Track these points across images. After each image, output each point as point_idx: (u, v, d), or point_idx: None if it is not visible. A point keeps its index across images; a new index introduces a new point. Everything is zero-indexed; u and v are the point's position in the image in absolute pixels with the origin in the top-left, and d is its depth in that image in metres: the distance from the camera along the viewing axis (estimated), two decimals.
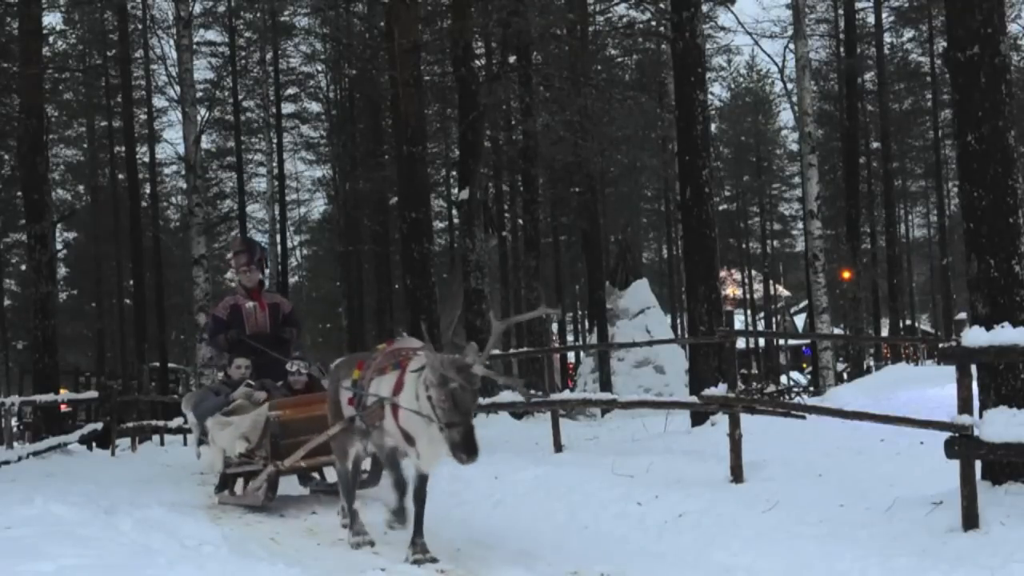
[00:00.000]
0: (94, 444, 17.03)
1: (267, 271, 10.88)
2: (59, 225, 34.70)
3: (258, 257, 10.36)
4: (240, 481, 9.23)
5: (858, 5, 33.23)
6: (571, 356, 36.03)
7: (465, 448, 5.71)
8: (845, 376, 27.31)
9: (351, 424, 6.94)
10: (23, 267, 35.95)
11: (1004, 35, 7.07)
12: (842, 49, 33.04)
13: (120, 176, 34.51)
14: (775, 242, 50.83)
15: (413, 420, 6.11)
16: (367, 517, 7.10)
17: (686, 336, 25.75)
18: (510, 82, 21.41)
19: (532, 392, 9.28)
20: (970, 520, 5.77)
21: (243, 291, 10.27)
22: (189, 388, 33.08)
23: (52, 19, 32.85)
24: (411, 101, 15.97)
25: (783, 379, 35.85)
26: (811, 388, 25.33)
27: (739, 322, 48.83)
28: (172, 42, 29.16)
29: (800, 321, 51.13)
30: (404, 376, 6.29)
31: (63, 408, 22.91)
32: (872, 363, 30.97)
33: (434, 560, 6.05)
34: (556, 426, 10.75)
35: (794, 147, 40.16)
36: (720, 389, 8.70)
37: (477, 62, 21.88)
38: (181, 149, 29.81)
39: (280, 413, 8.28)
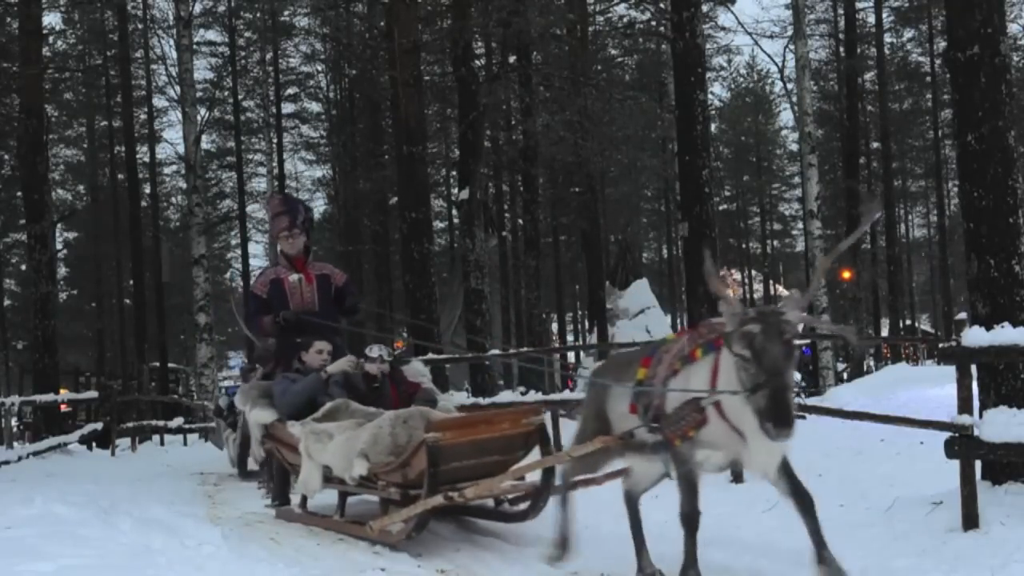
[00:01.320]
0: (94, 444, 17.01)
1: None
2: (59, 225, 34.71)
3: (302, 219, 8.31)
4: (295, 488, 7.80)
5: (858, 5, 33.26)
6: (571, 356, 36.03)
7: (774, 414, 4.41)
8: (845, 376, 27.31)
9: (628, 438, 5.36)
10: (23, 267, 35.95)
11: (1004, 35, 7.07)
12: (842, 49, 33.06)
13: (120, 176, 34.53)
14: (775, 242, 50.83)
15: (740, 408, 4.70)
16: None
17: (685, 329, 25.68)
18: (510, 82, 21.42)
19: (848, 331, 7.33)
20: (970, 520, 5.77)
21: (285, 261, 8.23)
22: (189, 388, 33.06)
23: (52, 19, 32.88)
24: (411, 101, 15.98)
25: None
26: (810, 388, 25.34)
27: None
28: (172, 42, 29.21)
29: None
30: (720, 360, 4.85)
31: (63, 408, 22.89)
32: (872, 363, 30.98)
33: None
34: (556, 426, 10.76)
35: (794, 147, 40.17)
36: None
37: (477, 62, 21.89)
38: (181, 149, 29.84)
39: (439, 436, 6.07)
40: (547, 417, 7.52)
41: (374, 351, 7.53)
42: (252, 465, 11.53)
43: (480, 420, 6.51)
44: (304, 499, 7.48)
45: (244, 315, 8.37)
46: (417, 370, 8.13)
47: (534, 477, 6.56)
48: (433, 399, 7.60)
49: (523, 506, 6.70)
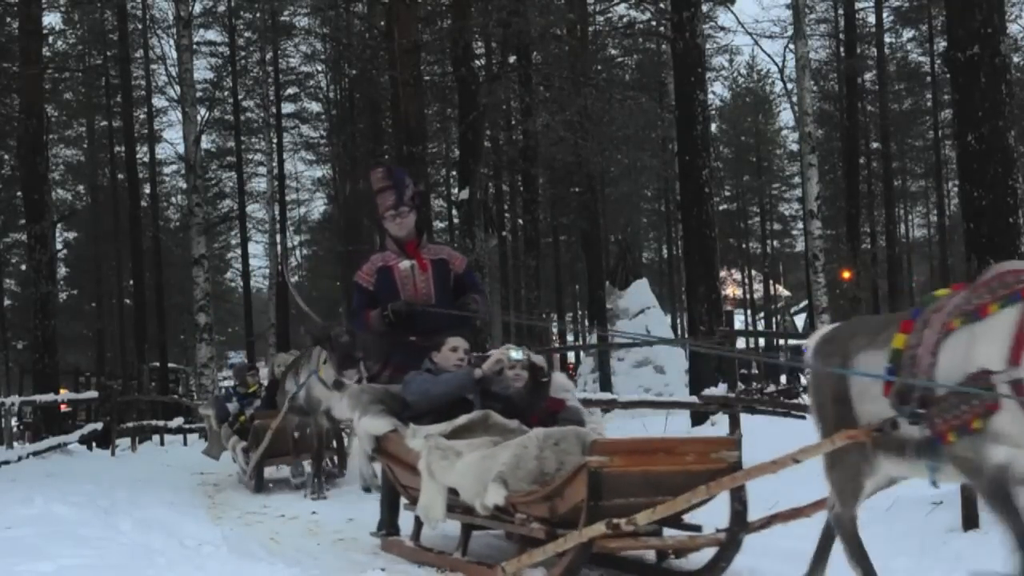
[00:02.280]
0: (94, 444, 17.02)
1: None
2: (59, 225, 34.70)
3: (411, 194, 6.71)
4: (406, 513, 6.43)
5: (858, 5, 33.26)
6: (571, 356, 36.02)
7: None
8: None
9: (888, 431, 3.97)
10: (23, 267, 35.94)
11: (1004, 35, 7.09)
12: (842, 49, 33.05)
13: (120, 176, 34.53)
14: (775, 242, 50.83)
15: None
16: None
17: (686, 336, 25.74)
18: (510, 82, 21.42)
19: None
20: (970, 520, 5.77)
21: (394, 245, 6.65)
22: (189, 388, 33.06)
23: (52, 19, 32.84)
24: (411, 101, 15.99)
25: (783, 379, 35.84)
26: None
27: (739, 322, 48.80)
28: (172, 42, 29.22)
29: (800, 321, 51.13)
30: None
31: (63, 408, 22.90)
32: None
33: None
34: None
35: (794, 147, 40.16)
36: (720, 389, 8.70)
37: (477, 62, 21.89)
38: (181, 149, 29.84)
39: (605, 461, 4.78)
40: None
41: (517, 352, 5.91)
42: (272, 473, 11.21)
43: (657, 447, 5.21)
44: (418, 529, 6.11)
45: (349, 311, 7.02)
46: (561, 384, 6.45)
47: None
48: (580, 420, 6.02)
49: (702, 561, 5.32)
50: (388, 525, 6.55)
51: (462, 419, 5.55)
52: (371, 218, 33.83)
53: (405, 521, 6.37)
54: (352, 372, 7.95)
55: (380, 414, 6.08)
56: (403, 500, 6.31)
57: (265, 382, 12.28)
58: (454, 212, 31.24)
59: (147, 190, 35.89)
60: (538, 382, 5.98)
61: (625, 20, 29.54)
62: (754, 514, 5.53)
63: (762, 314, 52.22)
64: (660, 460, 5.02)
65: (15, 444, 15.86)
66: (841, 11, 33.41)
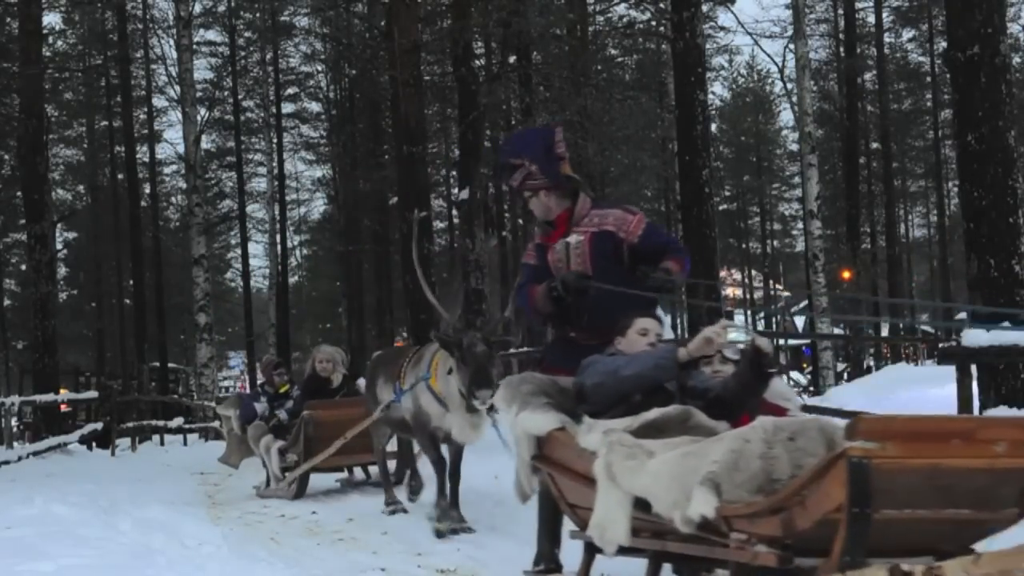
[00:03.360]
0: (94, 444, 17.03)
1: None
2: (59, 225, 34.71)
3: (541, 167, 5.27)
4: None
5: (858, 5, 33.28)
6: None
7: None
8: (845, 376, 27.31)
9: None
10: (23, 267, 35.96)
11: (1004, 35, 7.09)
12: (842, 49, 33.06)
13: (120, 176, 34.55)
14: (775, 242, 50.85)
15: None
16: None
17: (686, 336, 25.71)
18: (510, 82, 21.41)
19: None
20: None
21: (546, 224, 5.41)
22: (189, 388, 33.06)
23: (52, 19, 32.86)
24: (411, 101, 15.99)
25: (783, 379, 35.81)
26: (811, 388, 25.33)
27: (739, 322, 48.80)
28: (172, 42, 29.22)
29: (800, 321, 51.14)
30: None
31: (63, 408, 22.90)
32: (872, 363, 30.98)
33: None
34: None
35: (794, 147, 40.16)
36: None
37: (477, 62, 21.88)
38: (181, 149, 29.86)
39: (874, 448, 3.02)
40: None
41: (736, 333, 4.48)
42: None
43: (952, 429, 3.23)
44: (588, 562, 4.48)
45: (516, 290, 5.60)
46: (780, 391, 4.89)
47: None
48: None
49: None
50: (548, 559, 5.12)
51: (653, 413, 4.09)
52: (371, 219, 33.89)
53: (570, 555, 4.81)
54: (486, 393, 6.20)
55: (544, 408, 4.58)
56: (568, 526, 4.68)
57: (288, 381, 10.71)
58: (454, 212, 31.27)
59: (147, 190, 35.92)
60: (760, 374, 4.26)
61: (625, 20, 29.54)
62: None
63: (762, 314, 52.23)
64: (955, 450, 3.19)
65: (15, 444, 15.87)
66: (841, 11, 33.43)
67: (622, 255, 5.14)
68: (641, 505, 3.80)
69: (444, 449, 7.11)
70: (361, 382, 9.56)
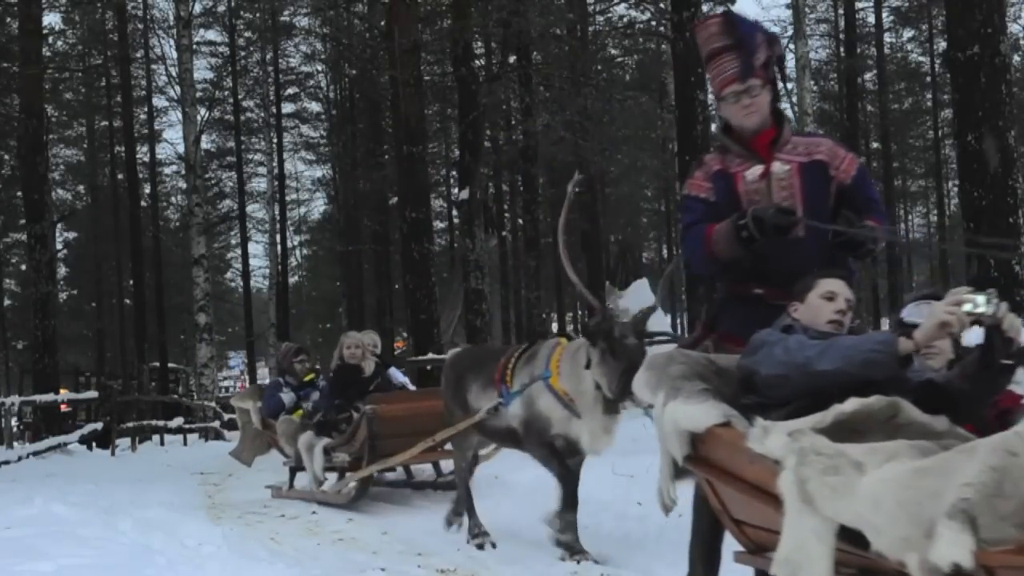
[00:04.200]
0: (94, 444, 17.03)
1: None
2: (59, 225, 34.73)
3: (764, 59, 4.07)
4: None
5: (858, 5, 33.26)
6: None
7: None
8: None
9: None
10: (23, 267, 35.97)
11: (1004, 35, 7.09)
12: (842, 49, 33.06)
13: (120, 176, 34.53)
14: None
15: None
16: None
17: (686, 336, 25.69)
18: (510, 82, 21.43)
19: None
20: None
21: (737, 142, 4.14)
22: (189, 388, 33.08)
23: (52, 19, 32.88)
24: (411, 101, 16.00)
25: None
26: None
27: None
28: (172, 42, 29.25)
29: None
30: None
31: (63, 408, 22.90)
32: None
33: None
34: None
35: None
36: None
37: (477, 62, 21.90)
38: (181, 149, 29.90)
39: None
40: None
41: (982, 304, 3.10)
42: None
43: None
44: None
45: (684, 228, 4.20)
46: None
47: None
48: None
49: None
50: None
51: (851, 405, 3.04)
52: (371, 219, 33.88)
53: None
54: (631, 402, 5.37)
55: (701, 396, 3.39)
56: (733, 546, 3.62)
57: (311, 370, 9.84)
58: (454, 212, 31.28)
59: (147, 190, 35.91)
60: (999, 365, 3.21)
61: (625, 20, 29.57)
62: None
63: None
64: None
65: (15, 444, 15.87)
66: (841, 11, 33.43)
67: (830, 195, 4.04)
68: (849, 535, 2.72)
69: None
70: (394, 372, 9.06)
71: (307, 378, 9.50)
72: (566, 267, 6.33)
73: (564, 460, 6.00)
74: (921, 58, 39.08)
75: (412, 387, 9.34)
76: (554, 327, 40.87)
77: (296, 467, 9.04)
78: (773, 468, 2.92)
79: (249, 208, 39.08)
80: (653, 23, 26.14)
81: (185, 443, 19.80)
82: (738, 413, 3.25)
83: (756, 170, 4.02)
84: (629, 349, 5.46)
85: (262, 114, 37.09)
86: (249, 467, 10.09)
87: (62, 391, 23.62)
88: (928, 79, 37.75)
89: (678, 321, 40.18)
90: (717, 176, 4.09)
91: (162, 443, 19.21)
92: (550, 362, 6.00)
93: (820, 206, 3.98)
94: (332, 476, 8.55)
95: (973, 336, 3.31)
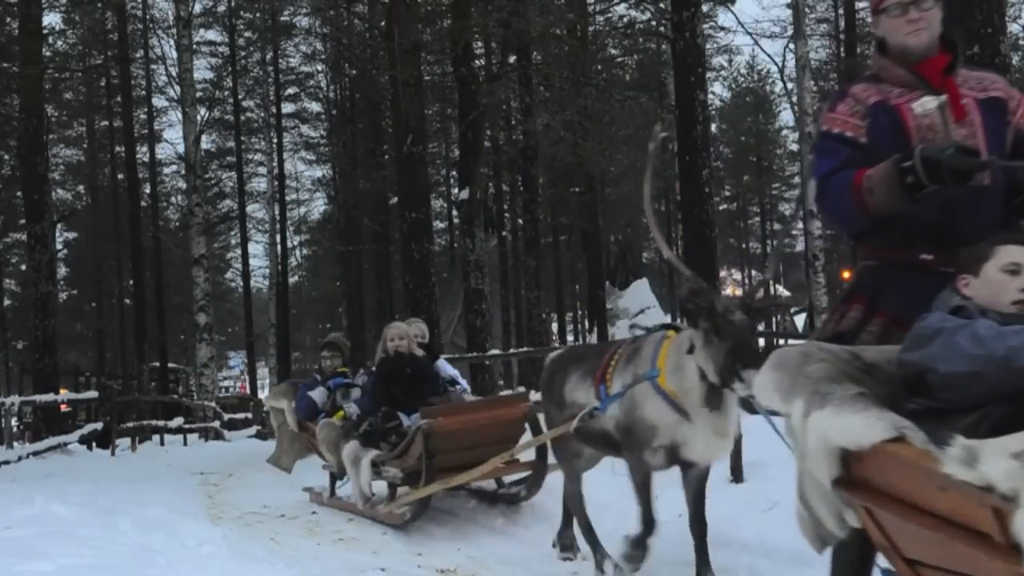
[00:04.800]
0: (94, 444, 17.02)
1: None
2: (59, 225, 34.73)
3: None
4: None
5: (858, 5, 33.24)
6: None
7: None
8: None
9: None
10: (23, 267, 35.97)
11: (1004, 35, 7.08)
12: (842, 49, 33.06)
13: (120, 176, 34.54)
14: (775, 242, 50.86)
15: None
16: None
17: (680, 321, 25.68)
18: (510, 82, 21.42)
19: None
20: None
21: (900, 67, 3.32)
22: (189, 388, 33.10)
23: (52, 19, 32.89)
24: (411, 101, 15.98)
25: None
26: None
27: None
28: (172, 42, 29.25)
29: (800, 321, 51.17)
30: None
31: (63, 408, 22.90)
32: None
33: None
34: None
35: (794, 147, 40.20)
36: None
37: (477, 62, 21.90)
38: (181, 149, 29.90)
39: None
40: None
41: None
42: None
43: None
44: None
45: (816, 175, 3.34)
46: None
47: None
48: None
49: None
50: None
51: None
52: (371, 219, 33.88)
53: None
54: (752, 373, 4.12)
55: (860, 404, 2.59)
56: None
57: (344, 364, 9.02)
58: (454, 212, 31.27)
59: (147, 190, 35.90)
60: None
61: (625, 20, 29.58)
62: (753, 514, 5.42)
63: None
64: None
65: (15, 444, 15.86)
66: (841, 11, 33.43)
67: (1007, 140, 3.31)
68: None
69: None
70: (443, 364, 8.24)
71: (342, 370, 8.76)
72: (656, 236, 5.46)
73: (651, 483, 5.18)
74: None
75: (463, 381, 8.27)
76: (554, 327, 40.95)
77: (337, 473, 8.21)
78: (982, 499, 2.15)
79: (249, 208, 39.13)
80: (653, 23, 26.16)
81: (185, 443, 19.80)
82: (911, 424, 2.46)
83: (929, 102, 3.22)
84: (735, 326, 4.65)
85: (262, 114, 37.10)
86: (289, 473, 9.05)
87: (62, 391, 23.62)
88: None
89: (678, 321, 40.15)
90: (876, 109, 3.27)
91: (162, 443, 19.20)
92: (657, 358, 5.07)
93: (1000, 152, 3.22)
94: (377, 484, 7.66)
95: None
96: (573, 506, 5.92)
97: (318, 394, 8.50)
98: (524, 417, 7.10)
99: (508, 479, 7.55)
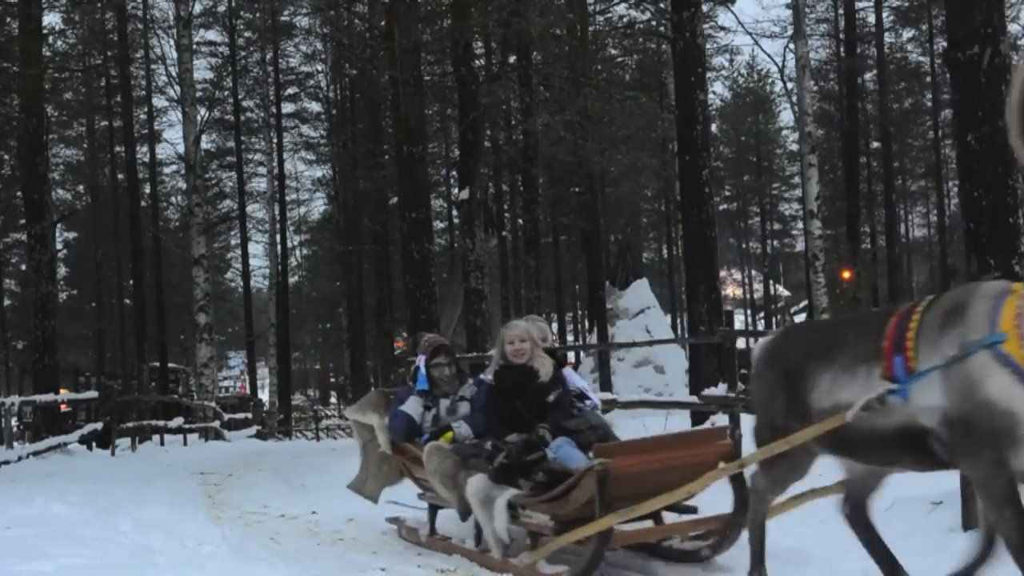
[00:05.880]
0: (94, 444, 17.02)
1: None
2: (59, 225, 34.74)
3: None
4: None
5: (858, 5, 33.24)
6: (571, 356, 36.04)
7: None
8: None
9: None
10: (23, 267, 35.97)
11: (1004, 35, 7.08)
12: (842, 49, 33.05)
13: (120, 176, 34.56)
14: (775, 242, 50.86)
15: None
16: None
17: (686, 336, 25.75)
18: (510, 82, 21.41)
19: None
20: (970, 520, 5.77)
21: None
22: (189, 388, 33.09)
23: (52, 19, 32.91)
24: (411, 101, 15.97)
25: None
26: None
27: (739, 322, 48.84)
28: (172, 42, 29.27)
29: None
30: None
31: (63, 408, 22.90)
32: None
33: None
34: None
35: (794, 147, 40.20)
36: (720, 389, 8.68)
37: (477, 62, 21.89)
38: (181, 149, 29.90)
39: None
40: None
41: None
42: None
43: None
44: None
45: None
46: None
47: None
48: None
49: None
50: None
51: None
52: (371, 219, 33.89)
53: None
54: None
55: None
56: None
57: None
58: (454, 212, 31.27)
59: (147, 190, 35.92)
60: None
61: (625, 20, 29.59)
62: None
63: (762, 314, 52.23)
64: None
65: (15, 444, 15.86)
66: (841, 11, 33.41)
67: None
68: None
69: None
70: (570, 374, 6.51)
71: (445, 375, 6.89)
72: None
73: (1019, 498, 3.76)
74: (921, 58, 39.07)
75: (594, 397, 6.66)
76: (554, 327, 40.94)
77: (460, 512, 6.11)
78: None
79: (249, 208, 39.13)
80: (653, 23, 26.16)
81: (185, 443, 19.80)
82: None
83: None
84: None
85: (262, 114, 37.10)
86: (375, 503, 7.25)
87: (62, 391, 23.61)
88: (928, 79, 37.74)
89: (678, 321, 40.18)
90: None
91: (162, 443, 19.20)
92: (998, 319, 3.74)
93: None
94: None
95: None
96: (753, 535, 4.91)
97: (412, 405, 6.67)
98: (722, 458, 5.50)
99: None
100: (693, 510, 5.71)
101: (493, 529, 5.73)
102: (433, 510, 6.72)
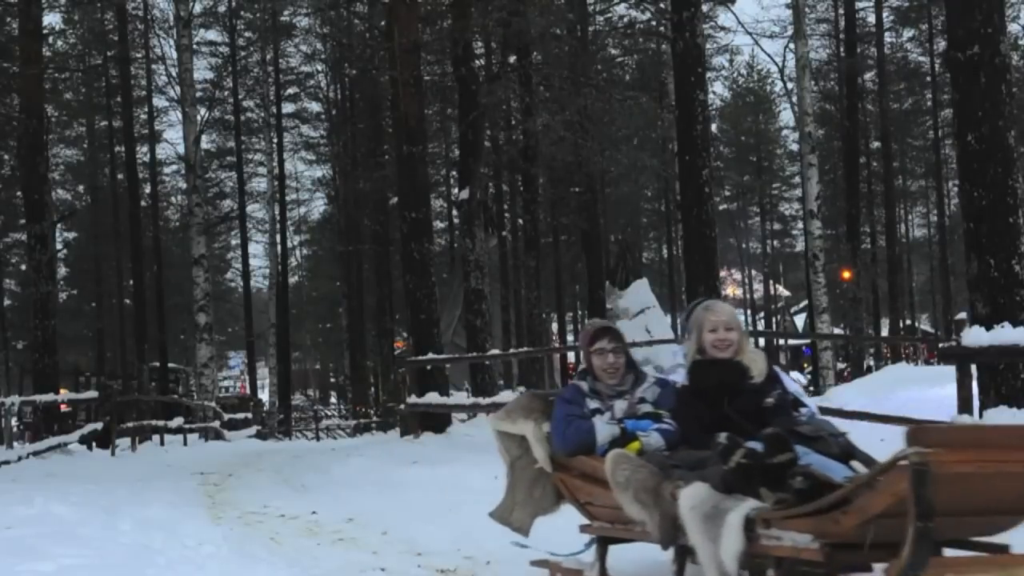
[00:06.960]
0: (94, 444, 17.01)
1: None
2: (59, 225, 34.73)
3: None
4: None
5: (858, 5, 33.27)
6: (571, 356, 36.03)
7: None
8: (845, 376, 27.32)
9: None
10: (23, 267, 35.96)
11: (1004, 35, 7.09)
12: (842, 49, 33.06)
13: (120, 176, 34.56)
14: (775, 242, 50.86)
15: None
16: None
17: (686, 336, 25.69)
18: (510, 82, 21.42)
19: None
20: None
21: None
22: (189, 388, 33.09)
23: (52, 19, 32.87)
24: (411, 101, 15.97)
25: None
26: (811, 388, 25.34)
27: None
28: (172, 42, 29.26)
29: (800, 321, 51.18)
30: None
31: (63, 408, 22.89)
32: (872, 363, 30.98)
33: None
34: None
35: (794, 147, 40.18)
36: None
37: (477, 62, 21.90)
38: (181, 149, 29.91)
39: None
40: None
41: None
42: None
43: None
44: None
45: None
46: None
47: None
48: None
49: None
50: None
51: None
52: (371, 218, 33.90)
53: None
54: None
55: None
56: None
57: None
58: (454, 212, 31.27)
59: (147, 190, 35.91)
60: None
61: (625, 20, 29.59)
62: None
63: (762, 314, 52.24)
64: None
65: (15, 444, 15.85)
66: (841, 11, 33.43)
67: None
68: None
69: None
70: (778, 372, 4.89)
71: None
72: None
73: None
74: (921, 58, 39.08)
75: (811, 404, 5.09)
76: (554, 327, 40.95)
77: (661, 541, 4.33)
78: None
79: (249, 208, 39.13)
80: (653, 23, 26.17)
81: (185, 443, 19.79)
82: None
83: None
84: None
85: (262, 114, 37.11)
86: (526, 536, 5.41)
87: (62, 391, 23.61)
88: (928, 79, 37.74)
89: (678, 321, 40.14)
90: None
91: (162, 443, 19.19)
92: None
93: None
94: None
95: None
96: None
97: (604, 427, 4.89)
98: None
99: None
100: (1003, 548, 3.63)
101: (717, 557, 3.92)
102: (603, 544, 5.08)
